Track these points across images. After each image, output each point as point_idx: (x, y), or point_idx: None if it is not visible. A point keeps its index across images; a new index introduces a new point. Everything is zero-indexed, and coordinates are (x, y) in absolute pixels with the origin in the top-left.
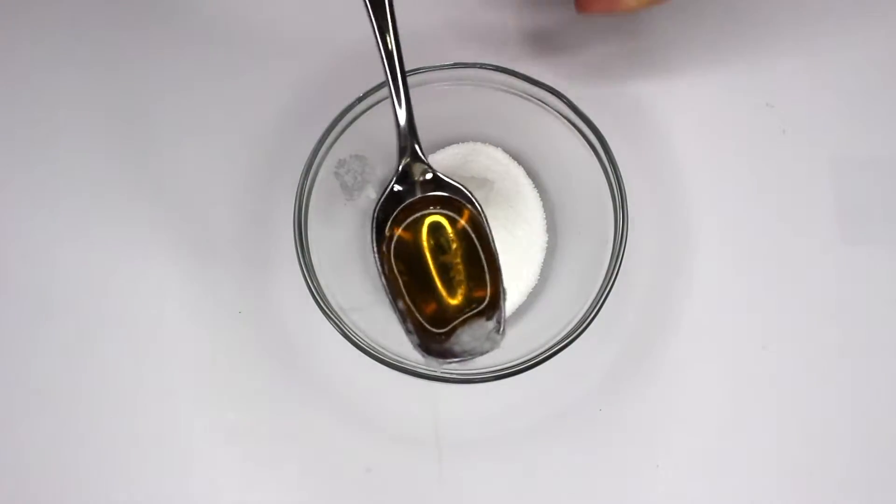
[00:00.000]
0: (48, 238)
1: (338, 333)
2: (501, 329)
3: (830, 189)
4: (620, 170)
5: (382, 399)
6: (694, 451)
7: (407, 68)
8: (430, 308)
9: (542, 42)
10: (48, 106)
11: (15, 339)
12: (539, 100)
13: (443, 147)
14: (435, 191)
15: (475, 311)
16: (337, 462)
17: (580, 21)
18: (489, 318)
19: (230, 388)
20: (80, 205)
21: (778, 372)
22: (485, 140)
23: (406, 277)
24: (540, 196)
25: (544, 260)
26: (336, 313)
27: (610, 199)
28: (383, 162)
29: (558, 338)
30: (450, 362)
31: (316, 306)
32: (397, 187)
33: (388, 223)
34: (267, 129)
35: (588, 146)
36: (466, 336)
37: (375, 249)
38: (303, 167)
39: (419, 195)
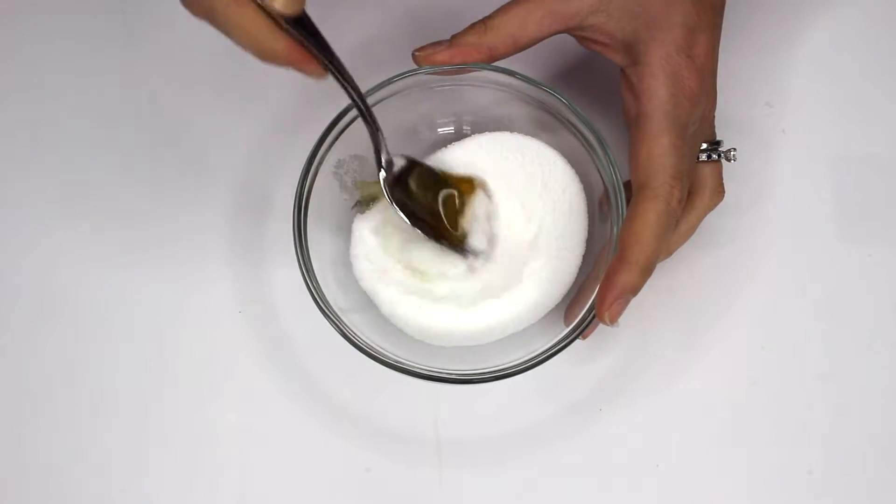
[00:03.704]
0: (47, 239)
1: (337, 334)
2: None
3: (830, 189)
4: (620, 170)
5: (382, 399)
6: (694, 451)
7: (408, 69)
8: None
9: (542, 43)
10: (49, 105)
11: (14, 341)
12: (538, 100)
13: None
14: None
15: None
16: (337, 462)
17: None
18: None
19: (230, 388)
20: (81, 205)
21: (777, 371)
22: None
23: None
24: None
25: None
26: (336, 313)
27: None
28: None
29: (558, 338)
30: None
31: (316, 306)
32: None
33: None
34: (267, 129)
35: (588, 146)
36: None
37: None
38: (303, 167)
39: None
